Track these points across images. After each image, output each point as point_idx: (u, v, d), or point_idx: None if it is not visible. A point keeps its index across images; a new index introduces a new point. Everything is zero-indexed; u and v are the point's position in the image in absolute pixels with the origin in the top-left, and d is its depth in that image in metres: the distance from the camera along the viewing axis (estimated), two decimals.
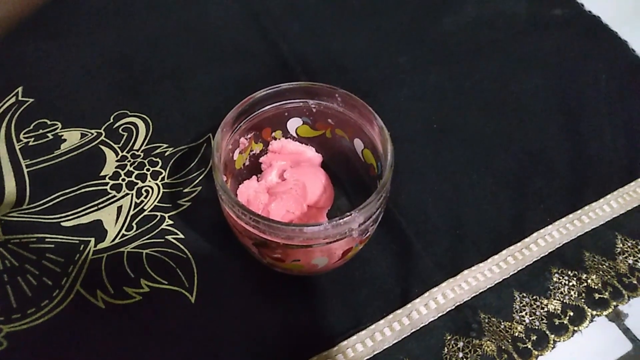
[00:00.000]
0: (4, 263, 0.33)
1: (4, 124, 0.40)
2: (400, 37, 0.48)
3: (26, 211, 0.36)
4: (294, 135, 0.36)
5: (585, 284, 0.34)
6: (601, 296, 0.33)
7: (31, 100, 0.42)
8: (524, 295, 0.33)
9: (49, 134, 0.40)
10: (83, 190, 0.37)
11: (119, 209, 0.36)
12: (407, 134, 0.41)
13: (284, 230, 0.27)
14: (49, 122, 0.41)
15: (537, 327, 0.32)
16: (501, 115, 0.43)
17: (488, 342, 0.31)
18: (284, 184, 0.34)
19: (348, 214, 0.27)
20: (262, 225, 0.27)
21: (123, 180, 0.38)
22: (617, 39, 0.48)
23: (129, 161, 0.39)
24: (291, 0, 0.50)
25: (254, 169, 0.36)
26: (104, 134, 0.40)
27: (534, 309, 0.32)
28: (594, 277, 0.34)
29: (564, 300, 0.33)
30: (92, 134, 0.40)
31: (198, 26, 0.48)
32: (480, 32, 0.49)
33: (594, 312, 0.32)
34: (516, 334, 0.32)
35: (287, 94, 0.33)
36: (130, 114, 0.41)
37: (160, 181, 0.38)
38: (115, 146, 0.39)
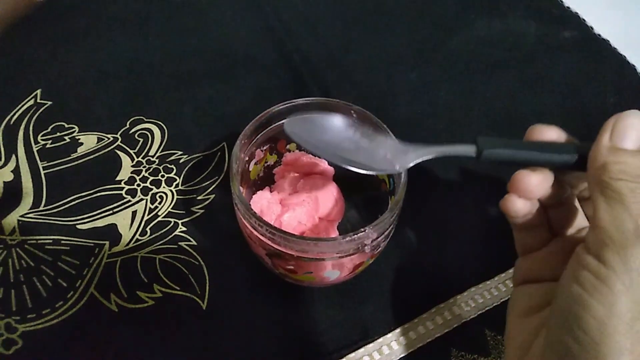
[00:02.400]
0: (20, 263, 0.34)
1: (23, 126, 0.41)
2: (412, 54, 0.49)
3: (43, 212, 0.36)
4: None
5: None
6: None
7: (49, 103, 0.43)
8: None
9: (66, 137, 0.41)
10: (99, 194, 0.38)
11: (134, 213, 0.37)
12: None
13: (299, 243, 0.28)
14: (66, 125, 0.42)
15: None
16: (509, 135, 0.44)
17: None
18: (296, 196, 0.35)
19: (362, 229, 0.27)
20: (277, 238, 0.28)
21: (138, 185, 0.38)
22: (626, 63, 0.49)
23: (144, 167, 0.39)
24: (306, 14, 0.51)
25: (268, 179, 0.37)
26: (120, 139, 0.41)
27: None
28: None
29: None
30: (109, 138, 0.41)
31: (214, 36, 0.49)
32: (490, 52, 0.49)
33: None
34: None
35: (304, 108, 0.34)
36: (146, 120, 0.42)
37: (174, 188, 0.38)
38: (131, 151, 0.40)
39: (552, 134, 0.26)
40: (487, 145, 0.25)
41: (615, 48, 0.50)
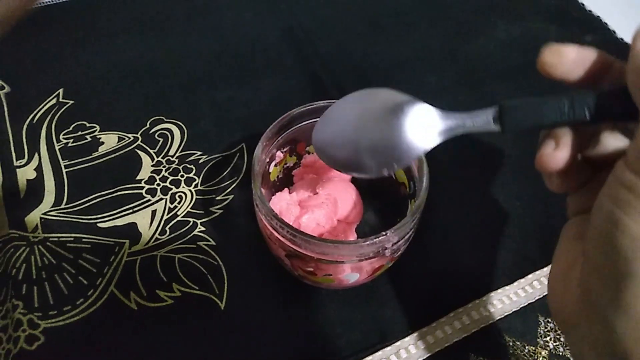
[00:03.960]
0: (42, 260, 0.34)
1: (45, 124, 0.42)
2: (430, 57, 0.49)
3: (64, 210, 0.37)
4: None
5: None
6: None
7: (71, 102, 0.43)
8: (549, 320, 0.33)
9: (87, 136, 0.41)
10: (119, 193, 0.38)
11: (154, 212, 0.37)
12: (435, 153, 0.42)
13: (320, 245, 0.28)
14: (87, 125, 0.42)
15: (561, 354, 0.32)
16: (529, 140, 0.43)
17: None
18: (315, 198, 0.35)
19: (383, 233, 0.27)
20: (298, 239, 0.28)
21: (158, 185, 0.39)
22: None
23: (164, 166, 0.40)
24: (324, 17, 0.51)
25: (287, 181, 0.37)
26: (140, 139, 0.41)
27: (558, 334, 0.33)
28: None
29: None
30: (129, 138, 0.41)
31: (233, 38, 0.49)
32: (509, 56, 0.49)
33: None
34: (540, 359, 0.32)
35: (323, 111, 0.34)
36: (166, 120, 0.43)
37: (193, 188, 0.39)
38: (151, 151, 0.41)
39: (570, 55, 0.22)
40: (508, 115, 0.23)
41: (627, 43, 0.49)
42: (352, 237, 0.35)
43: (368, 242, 0.27)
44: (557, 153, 0.22)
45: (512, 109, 0.23)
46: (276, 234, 0.29)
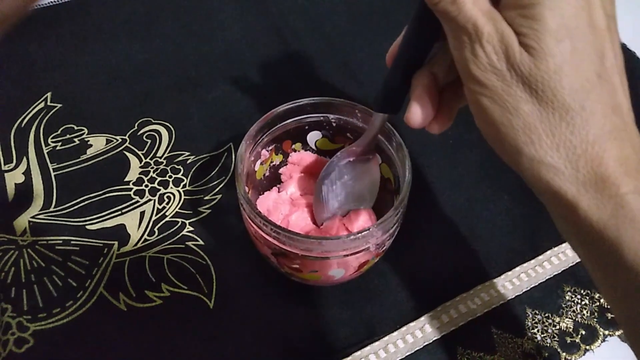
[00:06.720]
0: (31, 263, 0.34)
1: (34, 128, 0.42)
2: None
3: (53, 213, 0.37)
4: (313, 147, 0.37)
5: (598, 303, 0.34)
6: (613, 316, 0.33)
7: (59, 105, 0.44)
8: (537, 312, 0.33)
9: (75, 139, 0.41)
10: (108, 195, 0.38)
11: (142, 214, 0.37)
12: (423, 149, 0.42)
13: (303, 242, 0.28)
14: (75, 128, 0.42)
15: (548, 345, 0.32)
16: None
17: (500, 358, 0.32)
18: (308, 197, 0.35)
19: (366, 228, 0.27)
20: (282, 237, 0.28)
21: (146, 186, 0.39)
22: (635, 58, 0.48)
23: (152, 168, 0.40)
24: (312, 15, 0.51)
25: (274, 179, 0.37)
26: (128, 141, 0.41)
27: (546, 326, 0.33)
28: None
29: (576, 319, 0.33)
30: (117, 140, 0.41)
31: (220, 38, 0.49)
32: None
33: (606, 332, 0.33)
34: (527, 351, 0.32)
35: (308, 108, 0.34)
36: (154, 121, 0.43)
37: (181, 188, 0.39)
38: (139, 153, 0.41)
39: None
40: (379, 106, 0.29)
41: (624, 43, 0.49)
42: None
43: (352, 238, 0.27)
44: (412, 112, 0.25)
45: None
46: (261, 232, 0.29)
